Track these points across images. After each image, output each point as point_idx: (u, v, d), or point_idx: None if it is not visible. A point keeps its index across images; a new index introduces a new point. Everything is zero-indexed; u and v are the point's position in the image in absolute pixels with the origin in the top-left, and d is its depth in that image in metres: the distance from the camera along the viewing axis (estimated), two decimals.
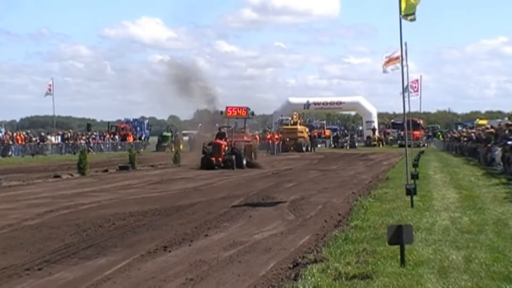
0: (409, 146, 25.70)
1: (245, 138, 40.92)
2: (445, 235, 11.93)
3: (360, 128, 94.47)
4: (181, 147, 60.49)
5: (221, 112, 42.26)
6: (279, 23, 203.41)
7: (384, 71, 18.22)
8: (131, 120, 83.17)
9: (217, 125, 40.49)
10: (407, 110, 19.05)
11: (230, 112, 41.69)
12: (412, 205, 15.85)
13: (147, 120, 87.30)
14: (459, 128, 78.05)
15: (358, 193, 20.67)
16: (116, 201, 19.47)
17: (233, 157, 36.14)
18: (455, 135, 58.59)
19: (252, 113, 43.18)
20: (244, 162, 36.77)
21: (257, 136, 62.69)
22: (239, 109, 41.85)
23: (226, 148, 36.69)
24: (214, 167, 35.48)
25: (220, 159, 36.02)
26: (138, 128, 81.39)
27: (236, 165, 35.92)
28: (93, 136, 71.09)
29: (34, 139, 62.08)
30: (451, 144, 59.31)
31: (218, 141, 36.81)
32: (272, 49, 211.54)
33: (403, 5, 15.97)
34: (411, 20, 16.15)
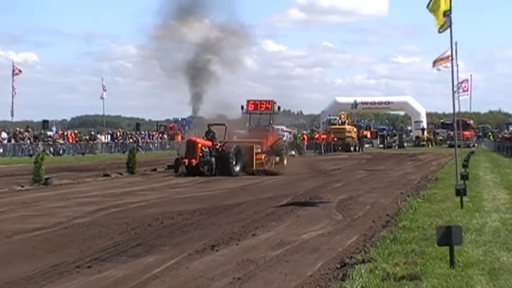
0: (459, 146, 25.43)
1: (269, 137, 34.81)
2: (496, 236, 11.77)
3: (409, 128, 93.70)
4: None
5: (242, 107, 35.68)
6: (326, 23, 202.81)
7: (436, 69, 18.11)
8: (180, 119, 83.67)
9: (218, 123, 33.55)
10: (456, 110, 18.86)
11: (252, 106, 35.65)
12: (461, 206, 15.67)
13: (195, 120, 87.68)
14: (511, 128, 76.94)
15: (406, 194, 20.50)
16: (165, 200, 19.61)
17: (213, 160, 29.74)
18: (506, 135, 57.78)
19: (279, 108, 36.43)
20: (238, 168, 30.12)
21: (303, 134, 62.28)
22: (263, 103, 35.75)
23: (206, 149, 29.99)
24: (192, 171, 29.13)
25: (193, 161, 29.29)
26: (187, 127, 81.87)
27: (220, 171, 29.48)
28: (142, 135, 71.72)
29: (84, 138, 62.90)
30: (502, 144, 58.46)
31: (193, 138, 30.84)
32: (319, 49, 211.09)
33: (438, 21, 16.01)
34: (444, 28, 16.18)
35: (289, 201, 18.75)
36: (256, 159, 31.61)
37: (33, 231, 13.36)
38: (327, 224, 14.42)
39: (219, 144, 30.36)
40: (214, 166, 29.57)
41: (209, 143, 30.30)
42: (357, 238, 12.47)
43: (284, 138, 73.50)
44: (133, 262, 10.35)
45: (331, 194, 20.51)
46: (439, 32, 16.26)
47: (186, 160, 29.37)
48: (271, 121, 36.31)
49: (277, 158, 34.43)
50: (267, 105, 35.54)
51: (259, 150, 32.52)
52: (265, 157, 32.65)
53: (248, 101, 35.59)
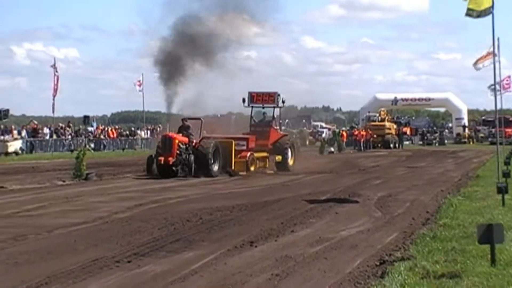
0: (501, 143, 25.13)
1: (271, 134, 31.94)
2: None
3: (450, 125, 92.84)
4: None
5: (243, 100, 32.39)
6: (366, 19, 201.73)
7: (477, 69, 17.89)
8: (219, 115, 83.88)
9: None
10: (498, 107, 18.63)
11: (254, 99, 32.47)
12: (503, 204, 15.48)
13: (234, 116, 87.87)
14: None
15: (447, 191, 20.32)
16: (203, 195, 19.69)
17: (192, 158, 26.46)
18: None
19: (283, 101, 32.56)
20: (216, 167, 27.07)
21: (342, 131, 61.86)
22: (266, 95, 32.42)
23: (184, 146, 26.96)
24: (166, 171, 26.09)
25: (170, 159, 26.11)
26: (225, 124, 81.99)
27: (196, 170, 26.41)
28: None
29: (124, 133, 63.38)
30: None
31: (170, 133, 27.64)
32: (359, 45, 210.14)
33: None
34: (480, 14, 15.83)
35: (328, 197, 18.70)
36: (239, 158, 28.68)
37: (74, 226, 13.51)
38: (366, 221, 14.36)
39: (194, 141, 27.35)
40: (192, 165, 26.33)
41: (186, 140, 27.12)
42: (396, 235, 12.39)
43: (324, 135, 73.38)
44: (172, 257, 10.41)
45: (370, 191, 20.41)
46: (473, 15, 15.84)
47: (162, 158, 25.92)
48: (274, 116, 32.94)
49: (278, 158, 31.31)
50: (270, 98, 32.28)
51: (244, 148, 29.38)
52: (250, 155, 29.25)
53: (250, 93, 32.38)
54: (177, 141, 26.48)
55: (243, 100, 32.25)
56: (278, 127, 33.22)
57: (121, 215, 15.24)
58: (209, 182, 24.41)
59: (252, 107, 32.64)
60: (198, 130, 28.33)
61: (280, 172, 29.80)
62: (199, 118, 28.84)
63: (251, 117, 32.72)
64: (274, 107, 32.65)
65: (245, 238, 11.97)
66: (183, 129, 27.68)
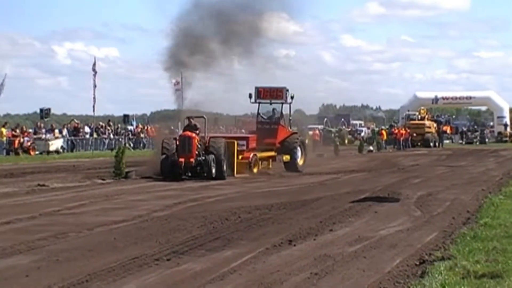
0: None
1: (279, 132, 30.07)
2: None
3: (491, 123, 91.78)
4: (306, 141, 60.56)
5: (250, 96, 30.38)
6: (406, 17, 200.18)
7: None
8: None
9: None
10: None
11: (261, 94, 30.46)
12: None
13: None
14: None
15: (488, 190, 20.10)
16: (242, 194, 19.72)
17: (211, 157, 24.39)
18: None
19: (292, 97, 30.17)
20: (224, 167, 24.94)
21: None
22: (273, 90, 30.47)
23: (201, 146, 25.07)
24: (181, 173, 24.38)
25: (192, 160, 24.30)
26: None
27: (215, 172, 24.46)
28: (220, 129, 72.23)
29: (166, 131, 63.62)
30: None
31: (188, 133, 25.08)
32: (399, 43, 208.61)
33: None
34: None
35: (367, 196, 18.60)
36: (242, 159, 26.85)
37: (114, 224, 13.63)
38: (405, 220, 14.26)
39: (205, 139, 25.46)
40: (213, 166, 24.31)
41: (198, 138, 25.12)
42: (436, 234, 12.29)
43: (363, 134, 73.11)
44: (211, 256, 10.44)
45: (409, 190, 20.26)
46: None
47: (183, 160, 24.03)
48: (282, 112, 30.69)
49: (286, 157, 29.48)
50: (278, 93, 30.24)
51: (244, 148, 27.38)
52: (253, 156, 27.33)
53: (257, 89, 30.29)
54: (196, 141, 24.63)
55: (250, 96, 30.25)
56: (287, 125, 30.82)
57: (160, 213, 15.33)
58: (247, 181, 24.43)
59: (259, 103, 30.57)
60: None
61: (286, 173, 28.15)
62: (202, 116, 26.58)
63: (258, 113, 30.75)
64: (282, 103, 30.52)
65: (284, 237, 11.96)
66: (191, 128, 25.50)
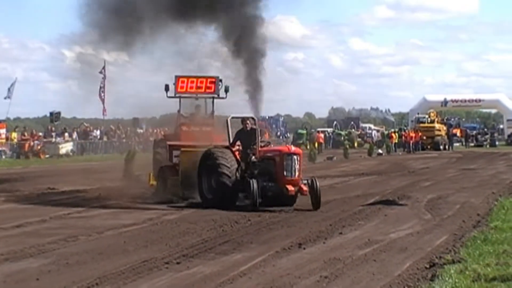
0: None
1: (213, 138, 19.82)
2: None
3: (501, 126, 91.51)
4: (316, 144, 60.57)
5: (166, 88, 21.47)
6: (414, 20, 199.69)
7: None
8: (267, 117, 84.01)
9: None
10: None
11: (184, 85, 21.68)
12: None
13: (282, 118, 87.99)
14: None
15: (498, 193, 20.03)
16: None
17: (254, 183, 16.42)
18: None
19: (227, 90, 21.63)
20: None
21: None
22: (201, 81, 21.85)
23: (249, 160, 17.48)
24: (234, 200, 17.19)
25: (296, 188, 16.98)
26: (274, 126, 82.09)
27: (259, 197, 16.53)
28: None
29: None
30: None
31: (296, 149, 17.88)
32: (408, 47, 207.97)
33: None
34: None
35: (376, 200, 18.58)
36: None
37: (124, 227, 13.67)
38: (415, 223, 14.24)
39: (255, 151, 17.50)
40: (255, 190, 16.41)
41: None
42: (446, 238, 12.26)
43: (372, 137, 73.03)
44: (221, 259, 10.45)
45: (419, 193, 20.22)
46: None
47: (293, 188, 16.73)
48: (213, 110, 22.29)
49: None
50: (208, 85, 21.86)
51: None
52: None
53: (178, 78, 21.62)
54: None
55: (166, 88, 21.49)
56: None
57: (170, 216, 15.35)
58: None
59: (180, 97, 21.91)
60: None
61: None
62: (251, 118, 18.35)
63: (179, 112, 22.27)
64: (213, 98, 22.02)
65: (294, 240, 11.96)
66: (251, 136, 17.74)
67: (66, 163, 38.56)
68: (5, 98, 47.05)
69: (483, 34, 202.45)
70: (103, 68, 45.83)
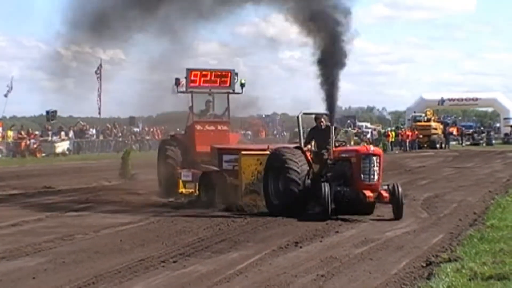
0: None
1: (230, 138, 20.36)
2: None
3: (498, 125, 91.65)
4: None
5: (176, 82, 19.98)
6: (411, 19, 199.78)
7: None
8: (263, 116, 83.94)
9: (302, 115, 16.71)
10: None
11: (196, 79, 20.09)
12: None
13: (279, 117, 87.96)
14: None
15: (495, 192, 20.06)
16: None
17: (326, 188, 14.61)
18: None
19: (243, 84, 20.27)
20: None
21: (387, 131, 61.24)
22: (216, 74, 20.37)
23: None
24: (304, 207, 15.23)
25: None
26: (270, 124, 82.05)
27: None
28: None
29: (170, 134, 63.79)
30: None
31: (375, 149, 15.98)
32: (404, 45, 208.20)
33: None
34: None
35: None
36: None
37: (121, 226, 13.65)
38: (412, 222, 14.24)
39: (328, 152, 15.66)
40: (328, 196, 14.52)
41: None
42: (443, 236, 12.27)
43: (369, 136, 73.07)
44: (217, 258, 10.45)
45: (416, 192, 20.24)
46: None
47: (371, 194, 14.74)
48: (229, 107, 20.70)
49: None
50: (223, 79, 20.36)
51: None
52: None
53: (190, 72, 20.04)
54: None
55: (175, 82, 20.00)
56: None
57: (166, 215, 15.33)
58: None
59: (191, 92, 20.31)
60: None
61: None
62: (326, 115, 16.13)
63: (191, 110, 20.51)
64: (227, 93, 20.55)
65: (290, 239, 11.96)
66: (324, 135, 15.85)
67: (62, 162, 38.50)
68: (5, 95, 46.99)
69: (480, 32, 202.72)
70: (99, 66, 45.85)
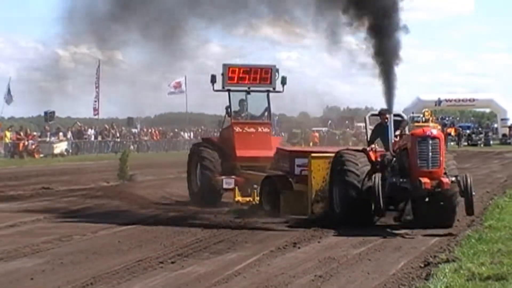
0: None
1: (272, 141, 18.36)
2: None
3: (495, 125, 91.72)
4: (311, 144, 60.56)
5: (212, 79, 18.31)
6: (409, 20, 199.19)
7: None
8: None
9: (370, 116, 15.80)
10: None
11: (234, 76, 18.32)
12: None
13: (277, 117, 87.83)
14: None
15: (492, 192, 20.06)
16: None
17: (376, 178, 12.99)
18: None
19: (284, 80, 18.57)
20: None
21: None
22: (256, 70, 18.48)
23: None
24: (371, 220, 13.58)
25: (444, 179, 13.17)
26: None
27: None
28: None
29: (171, 134, 63.86)
30: None
31: (433, 131, 13.76)
32: (402, 45, 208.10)
33: None
34: None
35: None
36: None
37: (119, 227, 13.64)
38: (410, 222, 14.21)
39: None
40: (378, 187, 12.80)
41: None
42: (441, 237, 12.26)
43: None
44: (216, 258, 10.45)
45: None
46: None
47: (428, 181, 12.80)
48: (270, 107, 18.99)
49: None
50: (263, 76, 18.49)
51: None
52: None
53: (228, 68, 18.34)
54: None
55: (212, 80, 18.36)
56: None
57: (164, 216, 15.33)
58: None
59: (228, 91, 18.62)
60: None
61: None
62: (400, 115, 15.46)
63: (229, 109, 18.69)
64: (268, 92, 18.77)
65: (288, 240, 11.96)
66: (388, 131, 14.43)
67: (60, 162, 38.46)
68: (6, 100, 46.92)
69: (478, 33, 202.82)
70: (98, 67, 45.86)
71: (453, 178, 13.04)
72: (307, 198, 14.60)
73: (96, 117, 48.46)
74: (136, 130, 59.45)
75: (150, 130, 61.93)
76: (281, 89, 18.67)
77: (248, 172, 17.22)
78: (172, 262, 10.08)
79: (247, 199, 16.42)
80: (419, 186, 12.67)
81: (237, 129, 18.13)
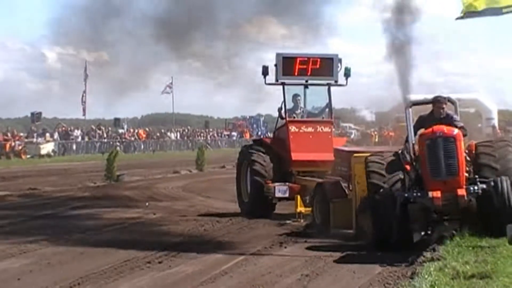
0: None
1: (333, 140, 15.99)
2: None
3: (479, 125, 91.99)
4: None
5: (264, 71, 16.04)
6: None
7: None
8: (248, 117, 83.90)
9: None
10: None
11: (292, 68, 16.01)
12: None
13: (263, 118, 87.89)
14: None
15: None
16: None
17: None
18: None
19: (347, 74, 16.16)
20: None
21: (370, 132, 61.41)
22: (315, 60, 16.09)
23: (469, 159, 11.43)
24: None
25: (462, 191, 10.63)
26: (254, 125, 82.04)
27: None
28: (211, 132, 72.36)
29: (157, 135, 63.77)
30: None
31: (445, 128, 10.87)
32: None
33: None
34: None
35: None
36: None
37: (106, 227, 13.65)
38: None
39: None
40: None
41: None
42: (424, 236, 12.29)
43: (352, 136, 73.17)
44: (203, 258, 10.48)
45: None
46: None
47: (439, 195, 10.49)
48: (331, 103, 16.65)
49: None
50: (324, 66, 16.21)
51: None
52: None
53: (281, 58, 16.00)
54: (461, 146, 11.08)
55: (263, 72, 16.06)
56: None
57: (152, 216, 15.35)
58: None
59: (283, 84, 16.33)
60: None
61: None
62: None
63: (284, 105, 16.31)
64: (329, 85, 16.46)
65: (275, 239, 12.00)
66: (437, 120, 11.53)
67: (47, 163, 38.33)
68: None
69: (461, 33, 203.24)
70: (85, 68, 45.76)
71: (484, 186, 10.43)
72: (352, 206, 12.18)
73: (83, 117, 48.28)
74: (123, 131, 59.32)
75: (136, 131, 61.82)
76: (344, 82, 16.29)
77: (305, 178, 15.13)
78: (159, 262, 10.10)
79: (310, 209, 13.76)
80: (430, 204, 10.45)
81: (293, 128, 15.83)
